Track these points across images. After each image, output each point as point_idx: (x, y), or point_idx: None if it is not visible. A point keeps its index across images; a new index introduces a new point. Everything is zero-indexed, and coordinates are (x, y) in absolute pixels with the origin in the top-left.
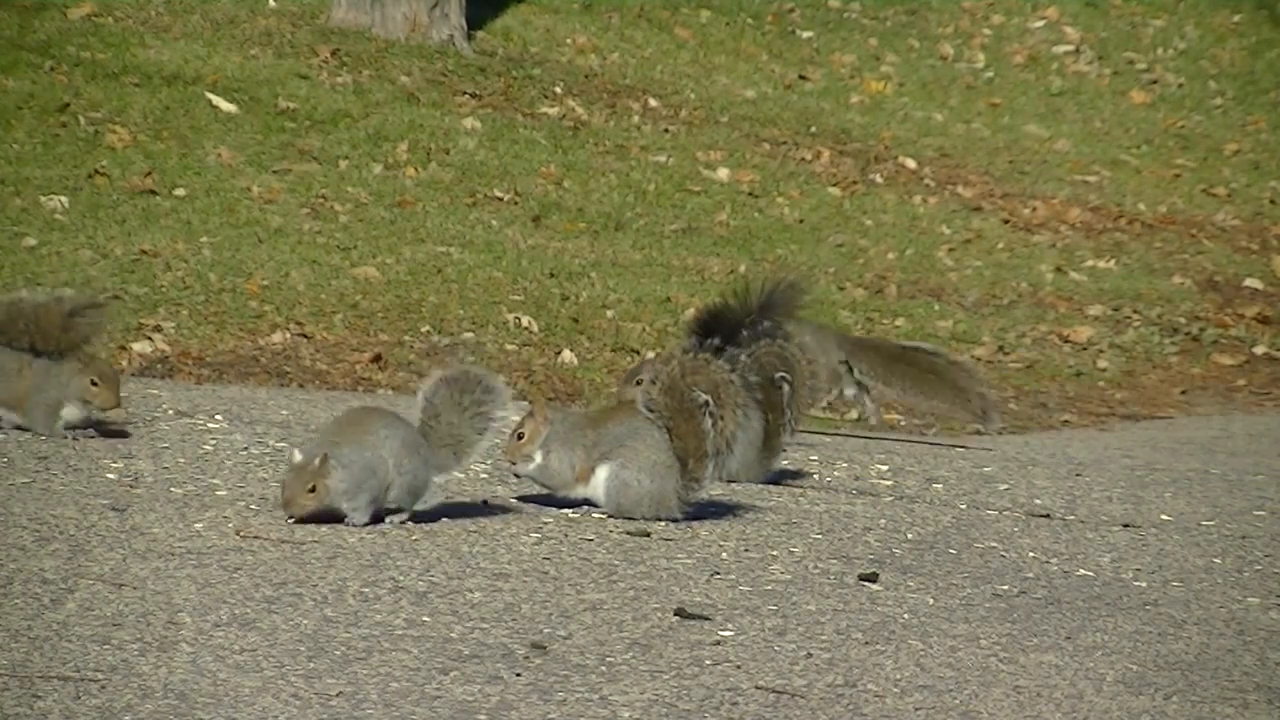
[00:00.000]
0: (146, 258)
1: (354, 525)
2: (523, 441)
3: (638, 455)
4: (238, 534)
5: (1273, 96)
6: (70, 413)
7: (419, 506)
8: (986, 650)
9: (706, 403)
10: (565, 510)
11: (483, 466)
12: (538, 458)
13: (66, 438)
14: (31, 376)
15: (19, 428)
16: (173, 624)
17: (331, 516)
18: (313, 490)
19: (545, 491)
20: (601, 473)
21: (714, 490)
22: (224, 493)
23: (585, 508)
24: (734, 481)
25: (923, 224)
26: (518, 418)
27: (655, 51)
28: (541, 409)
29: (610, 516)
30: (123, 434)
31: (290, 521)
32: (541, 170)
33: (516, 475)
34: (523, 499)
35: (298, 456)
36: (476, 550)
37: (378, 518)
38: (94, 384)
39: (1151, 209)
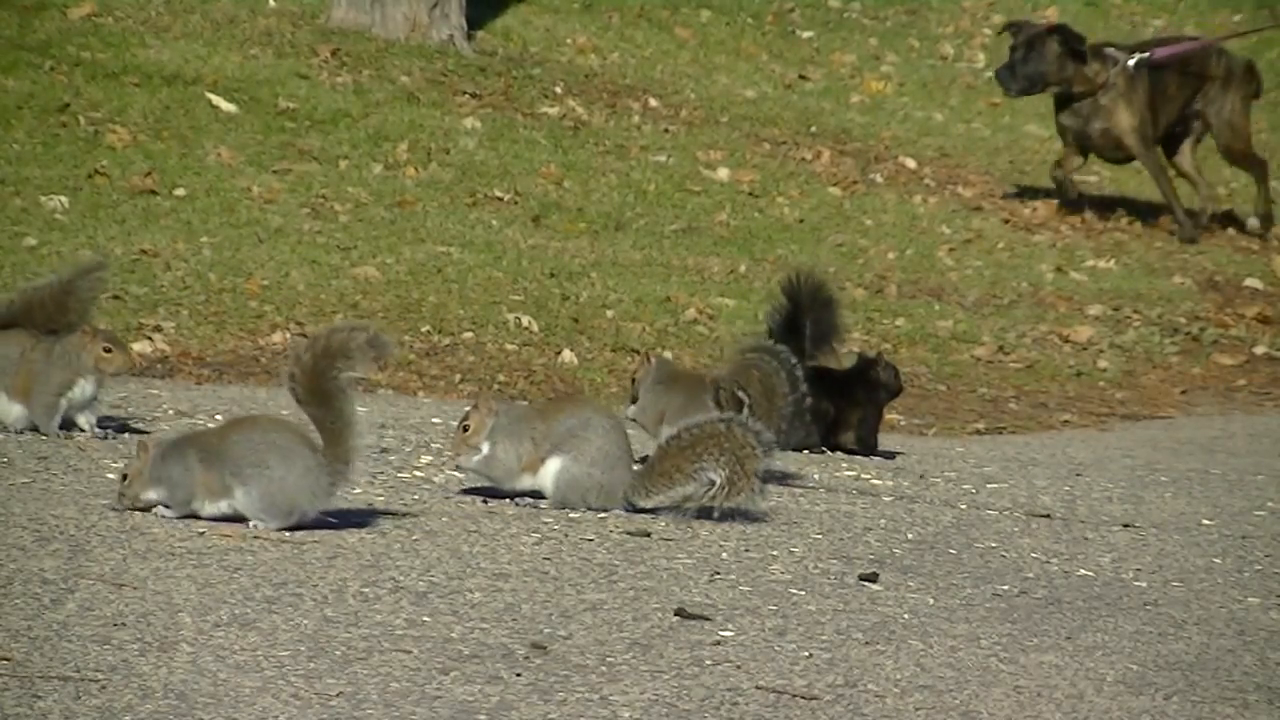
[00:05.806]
0: (146, 258)
1: (165, 517)
2: (469, 433)
3: (590, 446)
4: (238, 534)
5: (1273, 96)
6: (83, 389)
7: (287, 522)
8: (987, 650)
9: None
10: (565, 510)
11: None
12: (484, 449)
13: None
14: (34, 361)
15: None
16: (173, 624)
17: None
18: (124, 478)
19: (488, 484)
20: (553, 464)
21: None
22: None
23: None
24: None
25: (923, 224)
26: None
27: (655, 51)
28: (487, 401)
29: (556, 507)
30: (125, 430)
31: (120, 510)
32: (541, 170)
33: (459, 468)
34: (468, 491)
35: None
36: (476, 550)
37: (197, 517)
38: (106, 350)
39: (1152, 208)
